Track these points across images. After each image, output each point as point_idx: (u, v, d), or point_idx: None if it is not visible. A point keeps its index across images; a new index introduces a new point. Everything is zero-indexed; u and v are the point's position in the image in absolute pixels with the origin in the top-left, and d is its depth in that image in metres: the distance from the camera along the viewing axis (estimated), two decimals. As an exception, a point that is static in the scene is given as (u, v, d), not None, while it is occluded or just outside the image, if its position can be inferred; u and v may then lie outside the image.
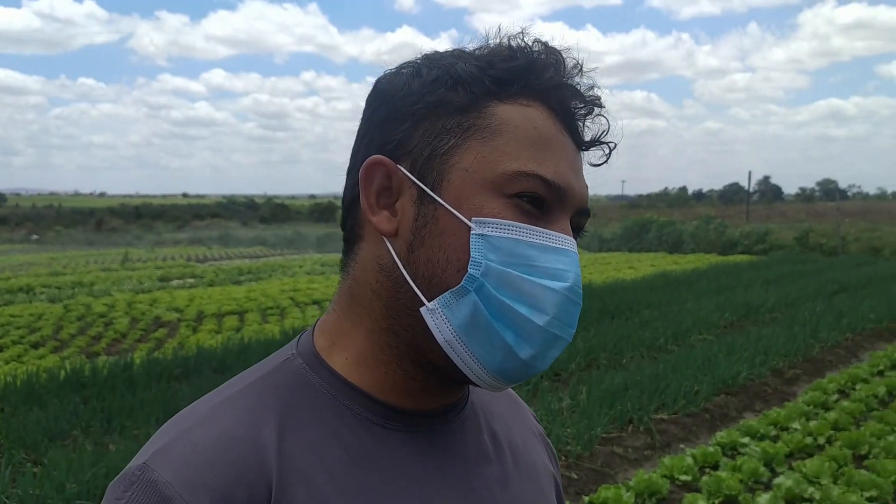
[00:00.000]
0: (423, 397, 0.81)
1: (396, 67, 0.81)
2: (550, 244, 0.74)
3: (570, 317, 0.75)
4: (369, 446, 0.76)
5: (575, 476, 5.45)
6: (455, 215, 0.73)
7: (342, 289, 0.83)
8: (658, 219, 32.90)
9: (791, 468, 5.50)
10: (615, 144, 0.83)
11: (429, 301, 0.74)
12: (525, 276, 0.72)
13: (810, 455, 5.81)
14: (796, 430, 6.28)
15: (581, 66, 0.80)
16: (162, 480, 0.68)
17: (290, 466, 0.72)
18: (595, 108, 0.80)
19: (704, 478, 5.18)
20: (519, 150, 0.74)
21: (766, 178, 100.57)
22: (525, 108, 0.76)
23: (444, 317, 0.73)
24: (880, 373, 8.49)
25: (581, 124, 0.80)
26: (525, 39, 0.79)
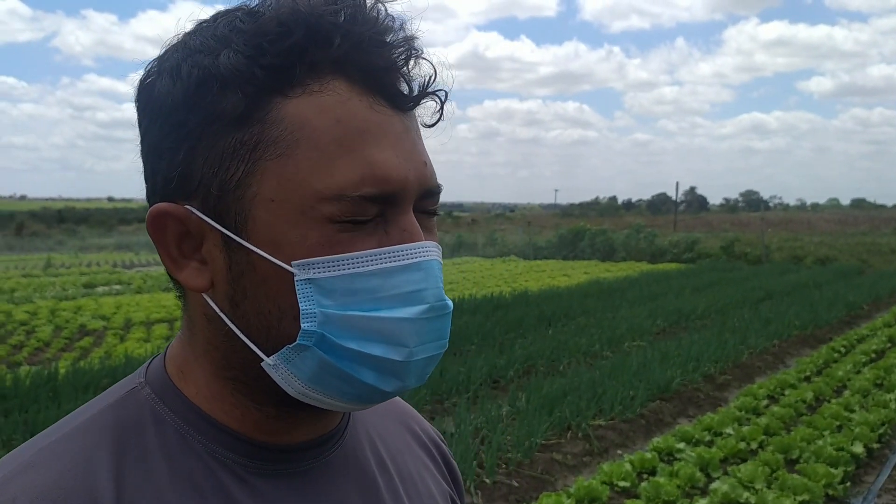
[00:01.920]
0: (290, 432, 0.69)
1: (160, 57, 0.65)
2: (395, 264, 0.61)
3: (437, 333, 0.64)
4: (229, 488, 0.65)
5: (516, 484, 5.44)
6: (272, 262, 0.60)
7: (183, 317, 0.70)
8: (591, 227, 33.47)
9: (726, 473, 5.62)
10: (446, 93, 0.67)
11: (268, 355, 0.62)
12: (371, 313, 0.60)
13: (744, 460, 5.94)
14: (730, 435, 6.42)
15: (382, 4, 0.64)
16: None
17: None
18: (412, 54, 0.64)
19: (643, 484, 5.24)
20: (327, 160, 0.59)
21: (693, 189, 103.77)
22: (318, 96, 0.60)
23: (288, 371, 0.62)
24: (807, 378, 8.78)
25: (402, 77, 0.64)
26: None
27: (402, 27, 0.64)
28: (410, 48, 0.64)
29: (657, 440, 6.27)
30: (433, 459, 0.87)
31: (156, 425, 0.66)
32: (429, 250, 0.64)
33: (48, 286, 19.29)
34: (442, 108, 0.68)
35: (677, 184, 51.03)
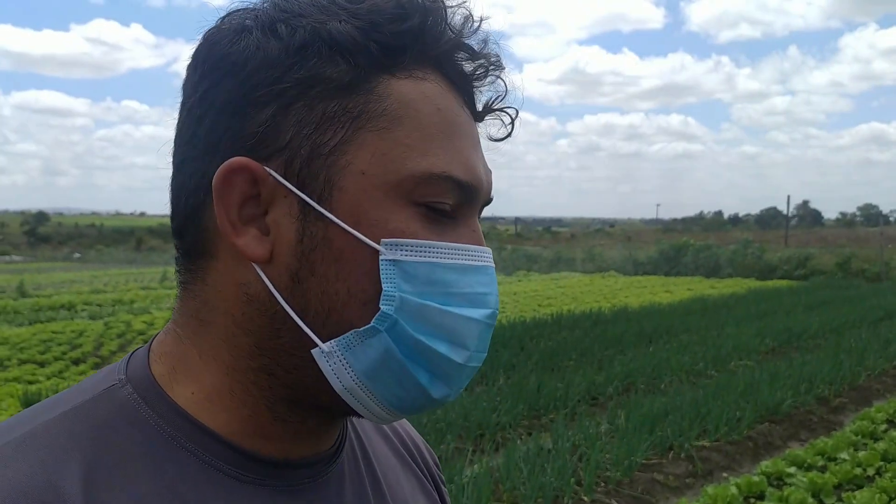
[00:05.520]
0: (291, 443, 0.65)
1: (234, 16, 0.63)
2: (471, 263, 0.62)
3: (486, 343, 0.64)
4: (218, 502, 0.60)
5: (615, 503, 5.34)
6: (356, 236, 0.58)
7: (185, 308, 0.64)
8: (694, 243, 32.51)
9: (840, 500, 5.34)
10: (517, 111, 0.68)
11: (323, 341, 0.59)
12: (445, 307, 0.60)
13: (859, 486, 5.62)
14: (845, 460, 6.10)
15: (474, 19, 0.65)
16: None
17: None
18: (492, 69, 0.66)
19: (750, 508, 5.04)
20: (425, 143, 0.60)
21: (806, 203, 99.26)
22: (421, 82, 0.61)
23: (343, 361, 0.59)
24: (930, 402, 8.23)
25: (477, 90, 0.66)
26: None
27: (484, 44, 0.66)
28: (494, 64, 0.66)
29: (766, 463, 6.02)
30: (426, 475, 0.85)
31: (136, 429, 0.60)
32: (492, 258, 0.65)
33: (164, 298, 20.32)
34: (512, 126, 0.69)
35: (788, 197, 49.23)
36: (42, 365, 10.60)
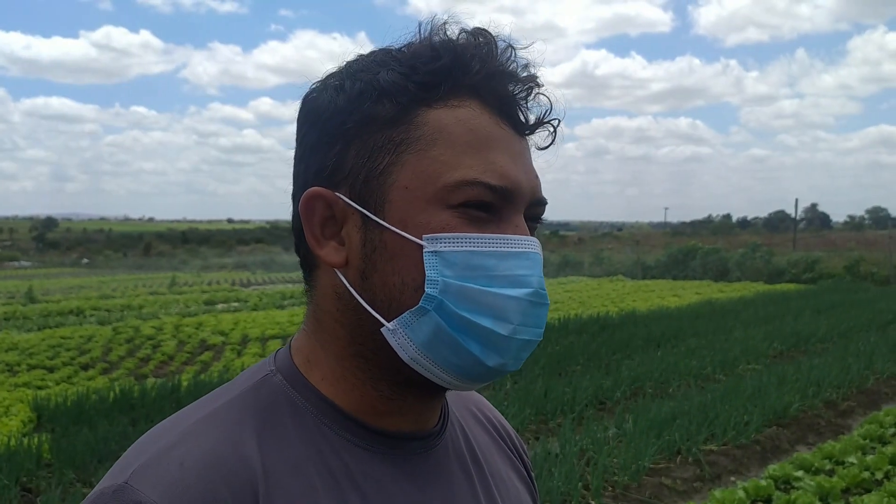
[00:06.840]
0: (400, 418, 0.78)
1: (322, 80, 0.79)
2: (508, 249, 0.72)
3: (536, 319, 0.73)
4: (352, 468, 0.74)
5: (622, 507, 5.33)
6: (403, 236, 0.71)
7: (308, 310, 0.81)
8: (703, 246, 32.44)
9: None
10: (559, 121, 0.79)
11: (389, 322, 0.72)
12: (485, 287, 0.71)
13: (868, 490, 5.61)
14: (853, 464, 6.07)
15: (513, 48, 0.77)
16: (149, 501, 0.64)
17: (276, 485, 0.70)
18: (533, 89, 0.77)
19: (757, 512, 5.03)
20: (457, 158, 0.71)
21: (814, 206, 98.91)
22: (456, 109, 0.73)
23: (405, 336, 0.71)
24: (940, 406, 8.19)
25: (522, 108, 0.77)
26: (449, 31, 0.75)
27: (526, 67, 0.77)
28: (533, 84, 0.77)
29: (773, 467, 6.00)
30: (515, 456, 0.96)
31: (289, 408, 0.75)
32: (535, 245, 0.75)
33: (172, 303, 20.42)
34: (554, 135, 0.80)
35: (797, 200, 49.12)
36: (51, 370, 10.67)
